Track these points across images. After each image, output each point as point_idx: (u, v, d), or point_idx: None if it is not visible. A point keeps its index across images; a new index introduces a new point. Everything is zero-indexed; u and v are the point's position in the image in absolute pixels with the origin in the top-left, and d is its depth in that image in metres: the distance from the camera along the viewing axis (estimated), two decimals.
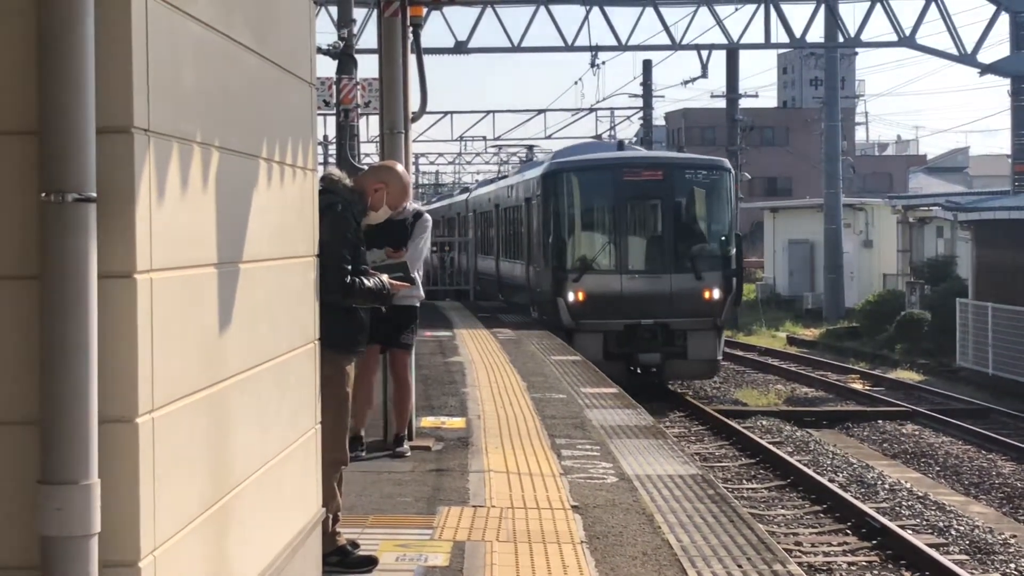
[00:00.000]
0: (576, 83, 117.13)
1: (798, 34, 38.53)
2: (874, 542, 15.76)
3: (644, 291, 28.62)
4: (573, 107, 53.79)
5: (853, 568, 14.80)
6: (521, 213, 34.60)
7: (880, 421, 26.77)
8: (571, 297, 28.60)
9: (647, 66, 47.05)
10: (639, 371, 29.47)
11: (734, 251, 29.90)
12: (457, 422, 14.72)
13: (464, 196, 53.79)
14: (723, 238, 29.85)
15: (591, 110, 53.82)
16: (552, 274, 29.41)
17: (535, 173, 32.91)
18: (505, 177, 47.19)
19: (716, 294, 28.92)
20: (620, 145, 36.14)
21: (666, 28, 33.84)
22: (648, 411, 17.06)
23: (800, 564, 12.40)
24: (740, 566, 8.79)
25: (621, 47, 34.86)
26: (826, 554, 15.31)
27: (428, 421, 14.47)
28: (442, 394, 17.03)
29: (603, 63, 35.20)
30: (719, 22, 34.93)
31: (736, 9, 35.62)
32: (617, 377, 22.83)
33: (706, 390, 32.55)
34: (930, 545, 15.51)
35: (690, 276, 28.78)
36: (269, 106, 6.70)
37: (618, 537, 9.52)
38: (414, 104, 14.00)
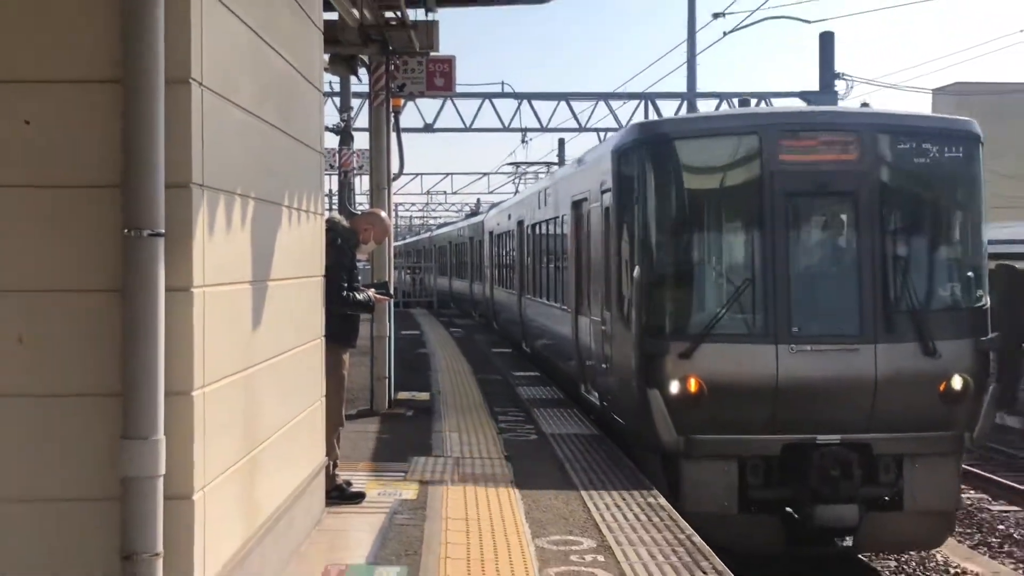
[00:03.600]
0: (511, 154, 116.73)
1: None
2: None
3: (823, 378, 10.13)
4: (509, 171, 53.52)
5: None
6: (562, 231, 15.60)
7: None
8: (674, 388, 10.19)
9: (561, 143, 47.02)
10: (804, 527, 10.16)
11: (986, 299, 10.85)
12: (424, 396, 14.66)
13: (480, 218, 32.03)
14: (971, 273, 10.88)
15: (522, 174, 53.71)
16: (638, 343, 10.47)
17: (600, 152, 13.20)
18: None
19: (958, 383, 10.29)
20: (744, 103, 14.56)
21: (575, 116, 33.84)
22: None
23: None
24: (623, 497, 8.77)
25: (543, 129, 34.81)
26: None
27: (403, 395, 14.39)
28: (416, 375, 16.96)
29: (530, 140, 35.56)
30: (612, 112, 35.02)
31: (623, 103, 35.74)
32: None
33: None
34: None
35: (912, 348, 10.29)
36: (289, 168, 6.70)
37: (538, 477, 9.51)
38: (395, 168, 14.01)
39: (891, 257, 10.35)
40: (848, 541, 10.26)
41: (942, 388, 10.15)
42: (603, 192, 11.99)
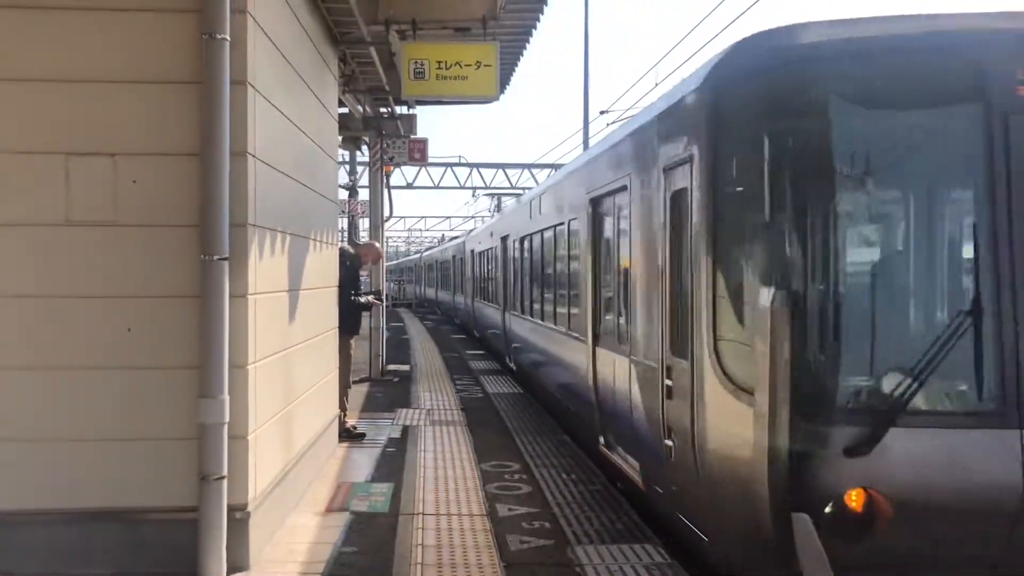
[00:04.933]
0: (465, 204, 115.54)
1: None
2: None
3: None
4: (464, 215, 53.25)
5: None
6: (567, 239, 7.72)
7: None
8: (837, 507, 2.84)
9: (499, 199, 47.03)
10: None
11: None
12: (406, 367, 14.59)
13: (462, 239, 25.19)
14: None
15: (472, 217, 53.44)
16: (775, 428, 2.90)
17: (659, 109, 4.48)
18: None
19: None
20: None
21: (508, 179, 34.03)
22: None
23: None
24: (542, 438, 8.74)
25: (486, 188, 34.93)
26: None
27: (391, 367, 14.32)
28: (399, 353, 16.89)
29: (478, 194, 35.19)
30: (533, 176, 35.22)
31: (540, 170, 35.91)
32: None
33: None
34: None
35: None
36: (314, 213, 6.70)
37: (482, 423, 9.48)
38: (386, 213, 14.02)
39: None
40: None
41: None
42: (667, 170, 4.93)
